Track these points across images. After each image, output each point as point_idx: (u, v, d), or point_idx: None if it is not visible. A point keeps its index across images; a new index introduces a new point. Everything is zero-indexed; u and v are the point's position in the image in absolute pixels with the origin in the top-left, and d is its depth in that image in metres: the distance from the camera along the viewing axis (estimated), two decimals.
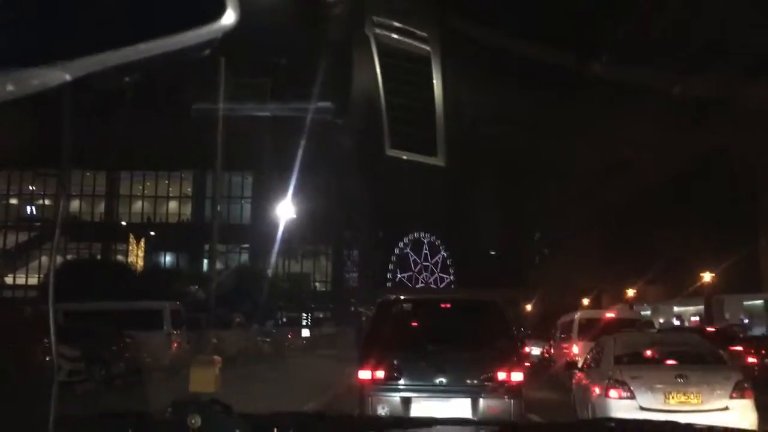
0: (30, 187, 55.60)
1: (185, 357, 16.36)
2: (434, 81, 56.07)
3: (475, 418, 7.52)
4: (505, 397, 8.13)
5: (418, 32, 53.84)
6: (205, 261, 42.28)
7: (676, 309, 48.46)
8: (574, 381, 11.64)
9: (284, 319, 44.86)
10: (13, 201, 56.16)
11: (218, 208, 46.02)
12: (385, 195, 60.59)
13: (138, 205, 56.83)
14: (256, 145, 41.83)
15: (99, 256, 50.95)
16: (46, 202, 55.91)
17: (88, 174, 53.78)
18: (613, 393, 8.87)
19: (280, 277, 50.63)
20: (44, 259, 52.70)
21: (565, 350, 19.92)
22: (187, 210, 56.97)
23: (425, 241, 78.19)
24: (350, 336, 33.77)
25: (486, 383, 8.18)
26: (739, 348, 19.85)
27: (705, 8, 33.80)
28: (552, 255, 62.48)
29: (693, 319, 44.70)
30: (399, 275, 75.54)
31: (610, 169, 43.26)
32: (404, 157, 59.64)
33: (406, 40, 54.10)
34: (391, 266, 75.37)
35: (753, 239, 37.88)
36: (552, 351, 23.37)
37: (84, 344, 13.34)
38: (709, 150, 37.51)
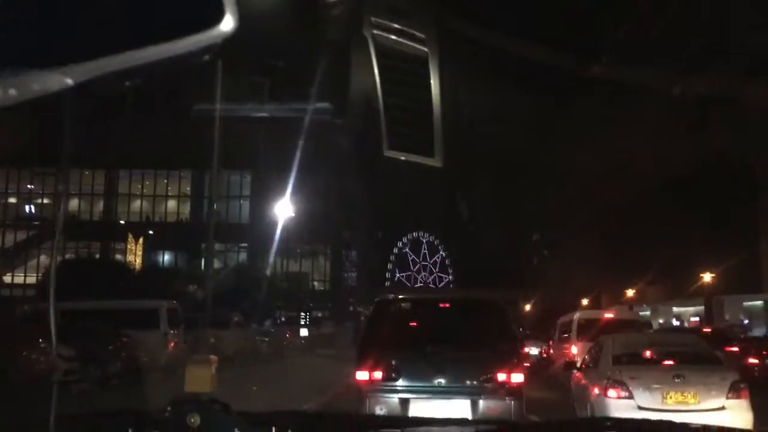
0: (28, 186, 55.51)
1: (182, 356, 16.27)
2: (432, 82, 56.06)
3: (475, 419, 7.43)
4: (506, 398, 8.03)
5: (416, 33, 53.86)
6: (204, 260, 42.17)
7: (675, 309, 48.41)
8: (572, 381, 11.69)
9: (283, 319, 44.75)
10: (12, 200, 56.03)
11: (215, 207, 46.04)
12: (383, 195, 60.50)
13: (137, 204, 56.74)
14: (254, 145, 41.79)
15: (98, 255, 50.86)
16: (45, 201, 55.86)
17: (86, 173, 53.68)
18: (611, 393, 8.99)
19: (279, 276, 50.55)
20: (43, 258, 52.65)
21: (564, 350, 19.91)
22: (186, 209, 56.88)
23: (424, 241, 78.06)
24: (349, 335, 33.70)
25: (486, 384, 8.08)
26: (735, 348, 19.97)
27: (704, 8, 33.75)
28: (551, 255, 62.44)
29: (693, 319, 44.63)
30: (398, 275, 75.41)
31: (610, 169, 43.17)
32: (402, 158, 59.69)
33: (404, 41, 54.09)
34: (389, 266, 75.22)
35: (753, 240, 37.84)
36: (551, 351, 23.34)
37: (80, 344, 13.23)
38: (709, 151, 37.43)
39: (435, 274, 77.77)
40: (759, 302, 40.32)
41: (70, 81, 0.86)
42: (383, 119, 56.25)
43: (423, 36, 54.05)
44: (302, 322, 46.63)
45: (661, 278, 42.04)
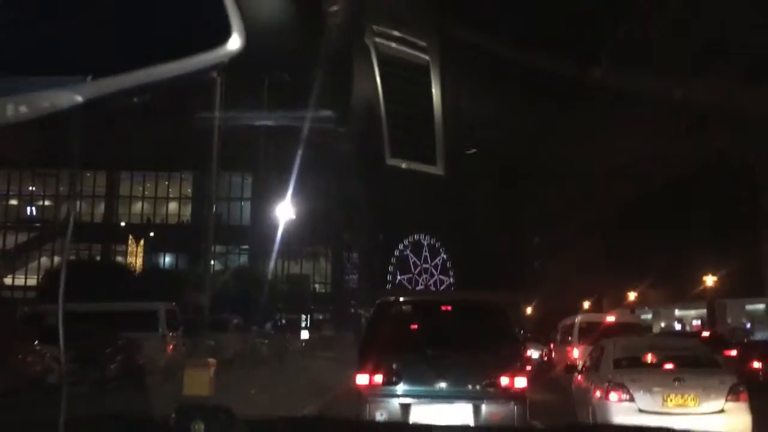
0: (30, 188, 55.49)
1: (181, 359, 16.16)
2: (434, 90, 56.20)
3: (477, 425, 7.32)
4: (508, 403, 7.91)
5: (418, 41, 54.01)
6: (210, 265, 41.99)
7: (677, 313, 48.27)
8: (573, 384, 11.75)
9: (283, 321, 44.61)
10: (13, 201, 55.98)
11: (217, 209, 45.94)
12: (385, 198, 60.49)
13: (138, 206, 56.66)
14: (256, 148, 41.71)
15: (98, 257, 50.75)
16: (46, 202, 55.83)
17: (88, 174, 53.57)
18: (612, 396, 9.05)
19: (280, 278, 50.43)
20: (44, 260, 52.61)
21: (565, 354, 19.85)
22: (187, 211, 56.76)
23: (425, 244, 78.05)
24: (350, 338, 33.57)
25: (488, 389, 7.95)
26: (734, 353, 20.18)
27: (705, 12, 33.67)
28: (552, 258, 62.33)
29: (695, 323, 44.53)
30: (399, 277, 75.38)
31: (611, 172, 43.08)
32: (403, 166, 59.87)
33: (406, 49, 54.29)
34: (390, 268, 75.20)
35: (755, 243, 37.69)
36: (552, 354, 23.29)
37: (77, 346, 13.10)
38: (711, 153, 37.33)
39: (436, 277, 77.74)
40: (761, 306, 40.17)
41: (80, 98, 0.87)
42: (385, 127, 56.39)
43: (424, 44, 54.23)
44: (303, 325, 46.52)
45: (663, 281, 41.93)
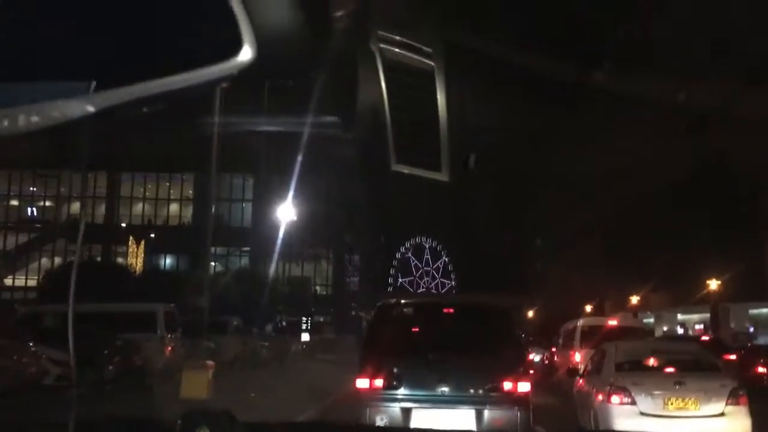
0: (31, 189, 55.44)
1: (179, 361, 15.98)
2: (438, 96, 56.27)
3: (479, 431, 7.16)
4: (512, 408, 7.73)
5: (422, 47, 54.10)
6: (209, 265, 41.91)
7: (680, 317, 48.08)
8: (575, 388, 11.77)
9: (284, 323, 44.46)
10: (14, 202, 55.91)
11: (219, 210, 45.68)
12: (388, 201, 60.45)
13: (139, 207, 56.57)
14: (259, 150, 41.59)
15: (99, 258, 50.63)
16: (47, 203, 55.79)
17: (89, 175, 53.48)
18: (614, 399, 9.15)
19: (281, 280, 50.32)
20: (44, 260, 52.56)
21: (567, 357, 19.81)
22: (188, 213, 56.66)
23: (427, 246, 77.88)
24: (350, 341, 33.41)
25: (491, 393, 7.78)
26: (733, 357, 20.41)
27: (706, 13, 33.59)
28: (554, 261, 62.18)
29: (697, 327, 44.34)
30: (400, 280, 75.19)
31: (613, 175, 42.95)
32: (408, 173, 59.98)
33: (411, 54, 54.40)
34: (392, 271, 75.01)
35: (759, 247, 37.50)
36: (555, 358, 23.24)
37: (74, 347, 12.93)
38: (713, 155, 37.20)
39: (437, 280, 77.55)
40: (765, 310, 39.97)
41: (91, 108, 0.87)
42: (390, 133, 56.50)
43: (429, 50, 54.32)
44: (304, 327, 46.34)
45: (666, 285, 41.76)
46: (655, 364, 10.27)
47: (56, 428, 1.88)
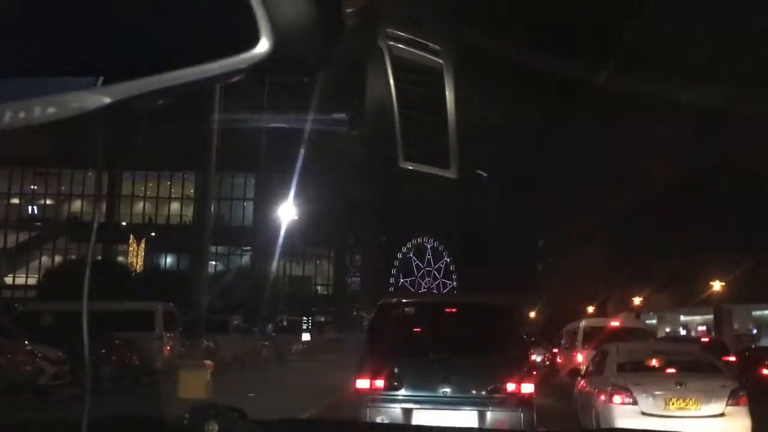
0: (32, 187, 55.37)
1: (178, 360, 15.82)
2: (447, 93, 56.15)
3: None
4: (515, 410, 7.56)
5: (431, 45, 53.97)
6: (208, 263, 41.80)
7: (683, 318, 47.89)
8: (576, 388, 11.85)
9: (285, 323, 44.37)
10: (15, 200, 55.83)
11: (219, 209, 45.52)
12: (392, 200, 60.45)
13: (140, 205, 56.46)
14: (262, 149, 41.47)
15: (100, 257, 50.54)
16: (48, 201, 55.72)
17: (90, 174, 53.40)
18: (616, 399, 9.27)
19: (282, 280, 50.22)
20: (44, 259, 52.49)
21: (569, 358, 19.91)
22: (189, 211, 56.56)
23: (428, 247, 77.81)
24: (351, 340, 33.28)
25: (494, 395, 7.61)
26: (733, 358, 20.56)
27: (711, 16, 33.44)
28: (556, 262, 62.09)
29: (700, 328, 44.15)
30: (401, 280, 75.12)
31: (618, 176, 42.82)
32: (417, 169, 59.89)
33: (419, 52, 54.26)
34: (393, 271, 74.92)
35: (763, 248, 37.25)
36: (558, 359, 23.21)
37: (70, 346, 12.77)
38: (718, 156, 37.04)
39: (439, 280, 77.48)
40: None
41: (107, 100, 0.89)
42: (399, 130, 56.37)
43: (437, 47, 54.15)
44: (304, 327, 46.23)
45: (669, 286, 41.56)
46: (657, 365, 10.44)
47: (65, 426, 1.87)
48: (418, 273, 76.79)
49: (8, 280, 51.78)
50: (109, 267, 40.65)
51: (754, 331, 38.41)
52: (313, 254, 56.87)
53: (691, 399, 9.10)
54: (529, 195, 62.61)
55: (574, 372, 12.97)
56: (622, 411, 9.08)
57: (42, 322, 17.10)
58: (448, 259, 78.03)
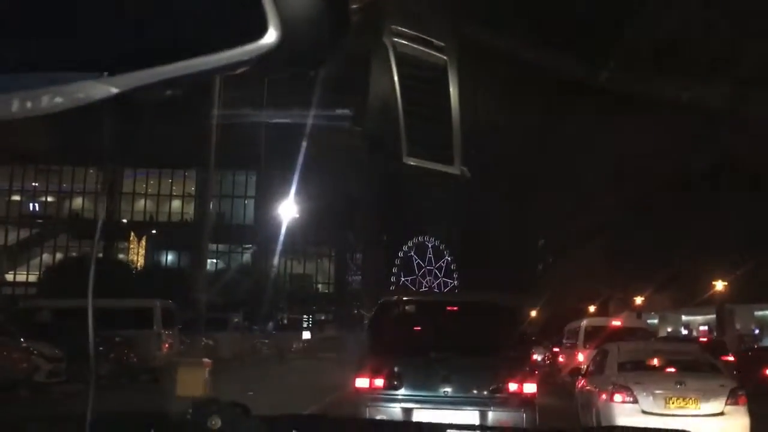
0: (33, 183, 55.34)
1: (177, 358, 15.71)
2: (451, 90, 56.11)
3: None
4: (518, 410, 7.44)
5: (435, 41, 54.13)
6: (208, 261, 41.79)
7: (684, 318, 47.76)
8: (577, 387, 12.01)
9: (285, 321, 44.31)
10: (16, 197, 55.79)
11: (219, 207, 45.42)
12: (394, 198, 60.36)
13: (141, 203, 56.40)
14: (264, 146, 41.37)
15: (101, 254, 50.48)
16: (49, 198, 55.68)
17: (91, 171, 53.38)
18: (617, 397, 9.39)
19: (282, 278, 50.16)
20: (45, 256, 52.47)
21: (571, 357, 19.99)
22: (191, 209, 56.49)
23: (429, 245, 77.74)
24: (352, 339, 33.18)
25: (496, 394, 7.50)
26: (731, 358, 20.77)
27: (713, 14, 33.22)
28: (558, 261, 61.97)
29: (702, 328, 44.02)
30: (402, 279, 75.04)
31: (619, 175, 42.69)
32: (422, 166, 59.82)
33: (424, 49, 54.46)
34: (394, 270, 74.84)
35: (766, 247, 37.11)
36: (559, 358, 23.19)
37: (67, 343, 12.68)
38: (720, 155, 36.90)
39: (440, 279, 77.39)
40: None
41: (114, 90, 0.89)
42: (402, 127, 56.35)
43: (442, 44, 54.27)
44: (305, 325, 46.19)
45: (670, 285, 41.44)
46: (657, 365, 10.55)
47: (69, 421, 1.91)
48: (419, 272, 76.73)
49: (9, 277, 51.75)
50: (110, 264, 40.52)
51: (757, 331, 38.29)
52: (314, 252, 56.80)
53: (690, 398, 9.22)
54: (530, 194, 62.51)
55: (575, 371, 13.11)
56: (623, 409, 9.19)
57: (39, 319, 17.00)
58: (449, 258, 77.96)
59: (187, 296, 21.96)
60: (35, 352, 12.72)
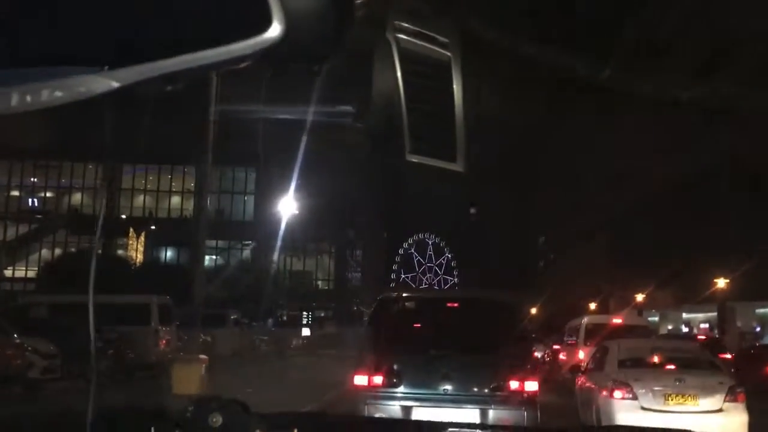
0: (32, 179, 55.23)
1: (174, 354, 15.60)
2: (454, 87, 55.95)
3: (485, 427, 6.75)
4: (519, 408, 7.30)
5: (439, 37, 53.97)
6: (207, 257, 41.69)
7: (685, 316, 47.68)
8: (577, 384, 12.16)
9: (284, 318, 44.21)
10: (15, 192, 55.68)
11: (218, 203, 45.24)
12: (396, 195, 60.29)
13: (140, 199, 56.28)
14: (265, 143, 41.24)
15: (100, 251, 50.38)
16: (48, 194, 55.57)
17: (90, 167, 53.27)
18: (617, 394, 9.48)
19: (282, 274, 50.06)
20: (44, 252, 52.36)
21: (571, 354, 20.00)
22: (190, 205, 56.32)
23: (430, 243, 77.68)
24: (351, 336, 33.11)
25: (496, 393, 7.36)
26: (728, 356, 20.85)
27: (715, 12, 33.05)
28: (558, 258, 61.91)
29: (702, 326, 43.93)
30: (403, 276, 74.99)
31: (621, 172, 42.54)
32: (424, 163, 59.68)
33: (427, 45, 54.31)
34: (394, 266, 74.77)
35: (765, 245, 37.00)
36: (560, 355, 23.16)
37: (62, 339, 12.53)
38: (721, 153, 36.77)
39: (440, 276, 77.33)
40: None
41: (116, 84, 0.88)
42: (405, 123, 56.19)
43: (446, 40, 54.11)
44: (304, 322, 46.08)
45: (671, 283, 41.32)
46: (656, 362, 10.64)
47: (69, 418, 1.91)
48: (419, 269, 76.69)
49: (8, 273, 51.65)
50: (109, 261, 40.40)
51: (758, 329, 38.19)
52: (314, 249, 56.70)
53: (689, 395, 9.32)
54: (531, 191, 62.40)
55: (576, 368, 13.18)
56: (622, 405, 9.29)
57: (35, 314, 16.84)
58: (450, 255, 77.89)
59: (186, 293, 21.85)
60: (29, 348, 12.57)
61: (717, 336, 32.04)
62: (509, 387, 7.38)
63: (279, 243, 34.02)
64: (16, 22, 0.88)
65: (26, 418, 2.38)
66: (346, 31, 0.88)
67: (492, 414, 7.28)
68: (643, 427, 6.82)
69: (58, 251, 50.60)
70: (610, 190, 43.19)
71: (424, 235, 77.10)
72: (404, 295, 9.66)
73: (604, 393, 9.79)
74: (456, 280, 76.97)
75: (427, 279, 76.67)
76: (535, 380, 7.62)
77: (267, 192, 44.46)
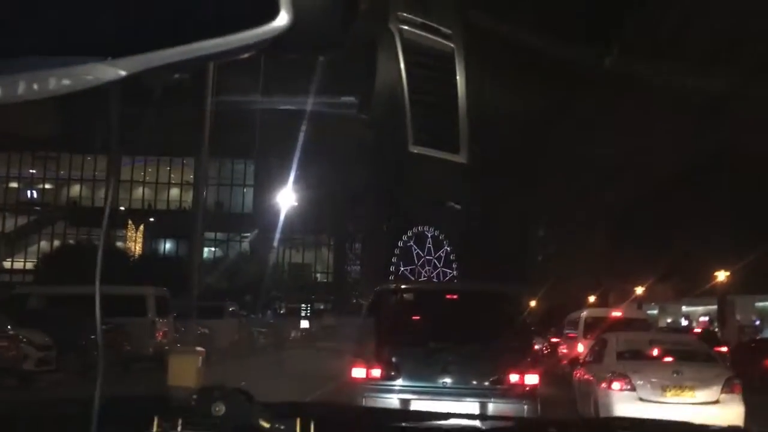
0: (31, 170, 55.15)
1: (172, 347, 15.49)
2: (458, 78, 55.78)
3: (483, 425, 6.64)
4: (519, 402, 7.22)
5: (442, 29, 53.87)
6: (206, 249, 41.72)
7: (684, 309, 47.64)
8: (575, 376, 12.29)
9: (283, 310, 44.16)
10: (13, 184, 55.59)
11: (218, 196, 45.19)
12: (396, 188, 60.16)
13: (138, 191, 56.18)
14: (261, 133, 41.10)
15: (98, 242, 50.31)
16: (47, 185, 55.50)
17: (88, 158, 53.16)
18: (615, 385, 9.56)
19: (281, 267, 50.01)
20: (43, 243, 52.33)
21: (571, 347, 20.00)
22: (189, 197, 56.25)
23: (429, 235, 77.60)
24: (350, 328, 33.04)
25: (496, 386, 7.28)
26: (724, 349, 21.02)
27: (718, 3, 32.88)
28: (558, 251, 61.85)
29: (702, 319, 43.90)
30: (402, 268, 74.93)
31: (621, 164, 42.42)
32: (427, 154, 59.66)
33: (430, 36, 54.20)
34: (394, 259, 74.73)
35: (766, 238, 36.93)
36: (560, 348, 23.22)
37: (57, 331, 12.42)
38: (723, 145, 36.64)
39: (439, 269, 77.30)
40: None
41: (123, 72, 0.88)
42: (409, 115, 56.11)
43: (449, 31, 53.98)
44: (303, 314, 46.03)
45: (671, 276, 41.29)
46: (655, 354, 10.80)
47: (77, 404, 1.83)
48: (418, 261, 76.63)
49: (6, 264, 51.63)
50: (107, 252, 40.33)
51: (757, 323, 38.16)
52: (313, 241, 56.65)
53: (687, 386, 9.46)
54: (531, 183, 62.29)
55: (575, 361, 13.39)
56: (621, 397, 9.40)
57: (31, 306, 16.72)
58: (449, 248, 77.84)
59: (184, 284, 21.76)
60: (24, 339, 12.45)
61: (712, 329, 32.18)
62: (509, 380, 7.30)
63: (278, 235, 33.91)
64: (23, 10, 0.87)
65: (25, 408, 2.34)
66: (352, 21, 0.88)
67: (492, 407, 7.20)
68: (641, 419, 6.74)
69: (56, 243, 50.55)
70: (611, 183, 43.11)
71: (423, 228, 77.02)
72: (402, 287, 9.55)
73: (603, 385, 9.88)
74: (455, 272, 76.96)
75: (426, 272, 76.63)
76: (535, 373, 7.54)
77: (266, 184, 44.33)
